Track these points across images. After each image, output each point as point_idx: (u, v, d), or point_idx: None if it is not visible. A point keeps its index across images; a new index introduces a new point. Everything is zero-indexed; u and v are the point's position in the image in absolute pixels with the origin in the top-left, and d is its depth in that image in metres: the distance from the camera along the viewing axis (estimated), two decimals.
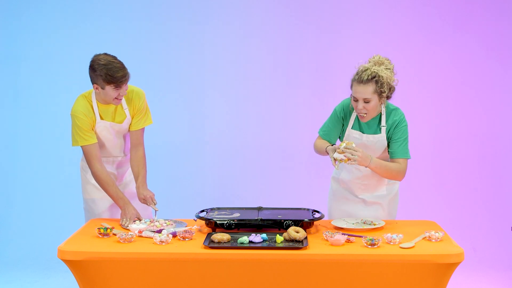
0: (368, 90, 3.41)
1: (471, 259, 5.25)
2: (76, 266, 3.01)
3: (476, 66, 5.90)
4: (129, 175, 3.92)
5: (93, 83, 3.55)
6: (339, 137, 3.68)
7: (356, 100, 3.46)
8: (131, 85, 3.68)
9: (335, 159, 3.41)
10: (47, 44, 5.96)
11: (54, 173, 6.00)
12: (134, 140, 3.78)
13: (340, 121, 3.63)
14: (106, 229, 3.24)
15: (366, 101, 3.43)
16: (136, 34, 5.95)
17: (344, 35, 5.88)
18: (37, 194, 5.98)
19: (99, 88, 3.53)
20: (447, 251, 2.99)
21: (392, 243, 3.09)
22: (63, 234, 4.05)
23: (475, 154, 5.93)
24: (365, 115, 3.48)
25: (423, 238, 3.18)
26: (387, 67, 3.45)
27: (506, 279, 5.06)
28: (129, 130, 3.78)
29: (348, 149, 3.38)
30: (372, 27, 5.89)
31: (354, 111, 3.58)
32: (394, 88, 3.49)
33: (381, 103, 3.49)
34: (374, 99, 3.43)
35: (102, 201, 3.80)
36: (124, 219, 3.51)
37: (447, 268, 2.96)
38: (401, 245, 3.04)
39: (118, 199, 3.61)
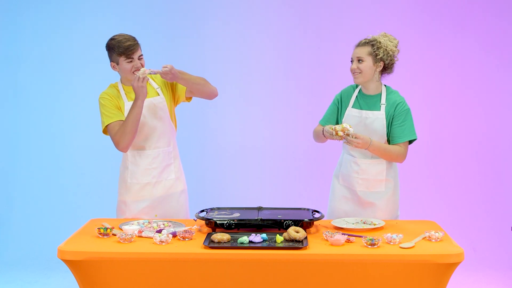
0: (363, 51, 3.59)
1: (471, 259, 5.25)
2: (76, 266, 3.01)
3: (476, 66, 5.90)
4: (168, 174, 3.81)
5: (110, 63, 3.64)
6: (337, 121, 3.79)
7: (352, 62, 3.62)
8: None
9: (335, 130, 3.48)
10: (47, 44, 5.96)
11: (54, 173, 5.99)
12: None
13: (337, 105, 3.77)
14: (106, 229, 3.24)
15: (360, 59, 3.58)
16: (137, 33, 5.87)
17: (345, 36, 5.87)
18: (37, 194, 5.98)
19: (116, 66, 3.63)
20: (447, 251, 2.99)
21: (392, 243, 3.09)
22: (63, 234, 4.05)
23: (475, 154, 5.93)
24: (358, 74, 3.60)
25: (423, 238, 3.18)
26: (390, 40, 3.61)
27: (506, 279, 5.06)
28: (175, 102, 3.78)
29: (348, 135, 3.48)
30: (372, 27, 5.86)
31: (355, 91, 3.72)
32: (394, 60, 3.62)
33: (376, 68, 3.59)
34: (368, 60, 3.58)
35: (134, 204, 3.75)
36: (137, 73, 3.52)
37: (447, 268, 2.96)
38: (401, 245, 3.04)
39: (133, 104, 3.55)
